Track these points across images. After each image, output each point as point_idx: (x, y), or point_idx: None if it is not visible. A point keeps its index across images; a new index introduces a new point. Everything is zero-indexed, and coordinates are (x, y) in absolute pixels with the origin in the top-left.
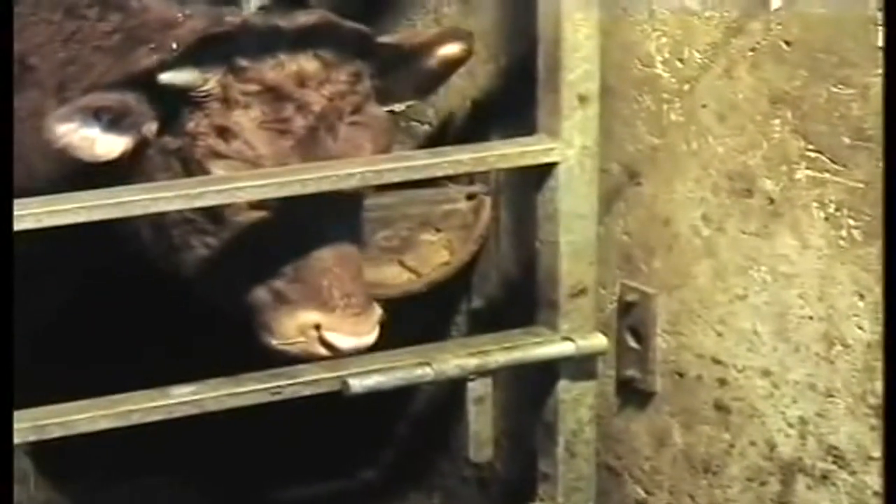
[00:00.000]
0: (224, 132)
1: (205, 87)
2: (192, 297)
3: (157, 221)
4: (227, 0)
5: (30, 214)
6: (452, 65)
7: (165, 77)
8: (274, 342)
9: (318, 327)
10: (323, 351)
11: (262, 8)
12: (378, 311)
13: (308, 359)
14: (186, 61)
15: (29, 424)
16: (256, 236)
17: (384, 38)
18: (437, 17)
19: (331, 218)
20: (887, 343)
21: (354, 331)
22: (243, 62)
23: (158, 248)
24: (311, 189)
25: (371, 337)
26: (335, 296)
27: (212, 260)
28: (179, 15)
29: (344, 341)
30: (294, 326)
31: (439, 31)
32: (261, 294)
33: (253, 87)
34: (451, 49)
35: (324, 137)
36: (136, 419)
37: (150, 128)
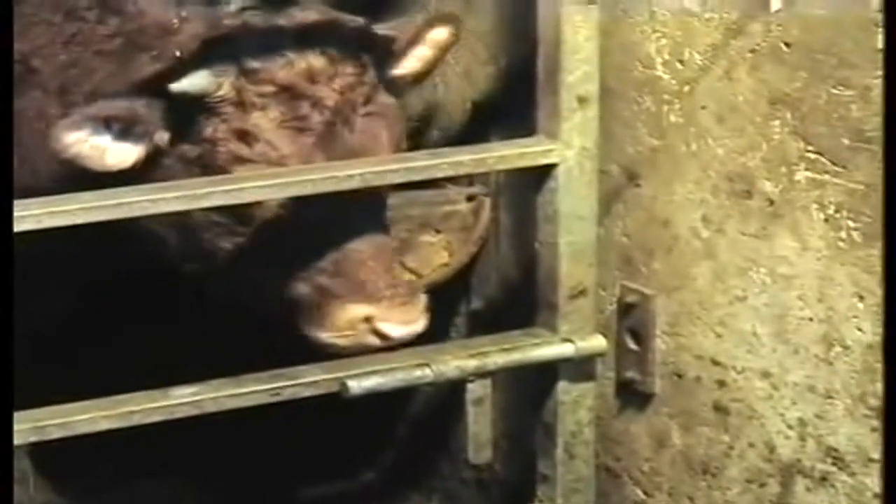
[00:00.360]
0: (245, 136)
1: (219, 93)
2: (224, 297)
3: (184, 225)
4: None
5: (30, 215)
6: (443, 49)
7: (179, 86)
8: (324, 335)
9: (368, 319)
10: (376, 341)
11: (245, 8)
12: (424, 299)
13: (360, 351)
14: (196, 68)
15: (29, 425)
16: (289, 234)
17: (382, 30)
18: None
19: (362, 211)
20: (887, 345)
21: (405, 319)
22: (254, 64)
23: (186, 252)
24: (310, 190)
25: (421, 324)
26: (381, 286)
27: (245, 260)
28: (175, 20)
29: (396, 330)
30: (345, 320)
31: (429, 17)
32: (304, 290)
33: (268, 89)
34: (440, 33)
35: (341, 131)
36: (136, 420)
37: (162, 136)
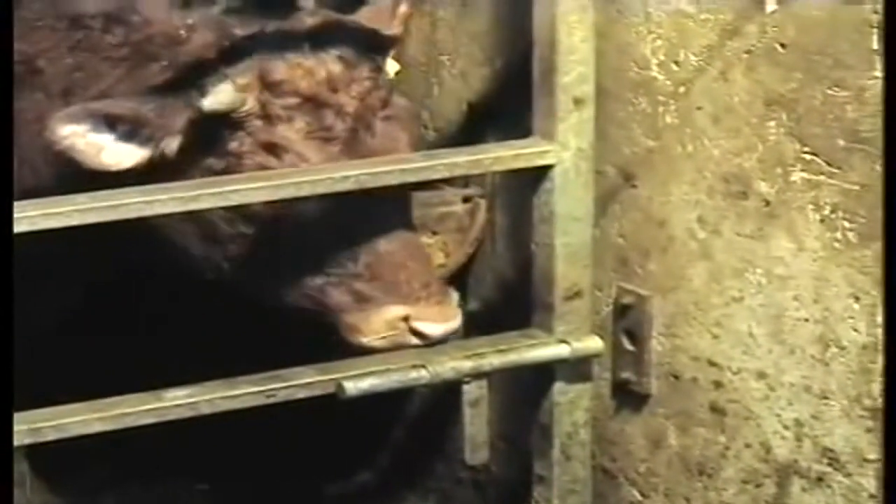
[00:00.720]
0: (273, 148)
1: (244, 108)
2: (251, 305)
3: (208, 235)
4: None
5: (25, 217)
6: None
7: (207, 104)
8: (364, 339)
9: (406, 319)
10: (414, 341)
11: (228, 10)
12: (455, 296)
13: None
14: (213, 78)
15: (24, 427)
16: (315, 238)
17: (386, 30)
18: (433, 19)
19: (388, 212)
20: (888, 345)
21: (442, 317)
22: (276, 76)
23: (210, 260)
24: (307, 191)
25: (456, 321)
26: (416, 287)
27: (274, 267)
28: (183, 30)
29: (433, 329)
30: (383, 322)
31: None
32: (341, 297)
33: (292, 101)
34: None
35: (363, 137)
36: (129, 422)
37: (171, 144)
